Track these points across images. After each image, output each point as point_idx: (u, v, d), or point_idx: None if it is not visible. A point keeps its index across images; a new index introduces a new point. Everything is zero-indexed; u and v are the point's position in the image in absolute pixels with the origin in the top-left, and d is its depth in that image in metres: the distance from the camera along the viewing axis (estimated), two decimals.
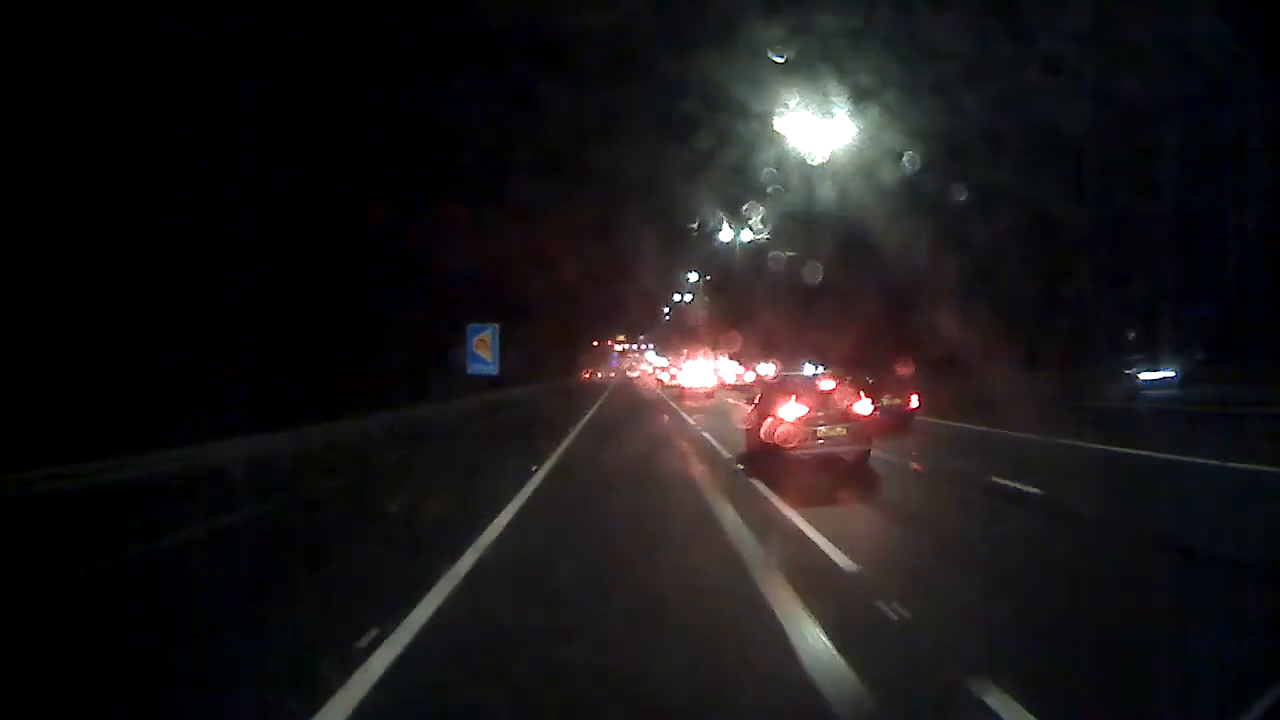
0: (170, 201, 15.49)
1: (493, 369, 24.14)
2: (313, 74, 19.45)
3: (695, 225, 49.13)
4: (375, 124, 23.38)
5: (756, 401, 13.10)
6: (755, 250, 42.69)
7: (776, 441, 10.78)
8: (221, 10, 15.74)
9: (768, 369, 38.40)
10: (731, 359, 52.07)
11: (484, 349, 23.65)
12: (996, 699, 3.85)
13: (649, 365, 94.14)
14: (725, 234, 47.25)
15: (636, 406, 33.46)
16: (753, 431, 12.30)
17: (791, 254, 34.82)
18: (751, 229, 40.58)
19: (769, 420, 11.16)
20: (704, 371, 41.74)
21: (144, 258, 15.07)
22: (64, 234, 13.26)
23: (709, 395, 35.06)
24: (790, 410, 10.91)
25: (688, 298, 76.47)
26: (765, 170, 28.13)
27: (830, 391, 11.48)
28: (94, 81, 13.53)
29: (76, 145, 13.44)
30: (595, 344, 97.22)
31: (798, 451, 10.59)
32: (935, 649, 4.53)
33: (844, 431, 10.67)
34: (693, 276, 70.08)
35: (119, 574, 7.36)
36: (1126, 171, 17.84)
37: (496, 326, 24.09)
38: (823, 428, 10.66)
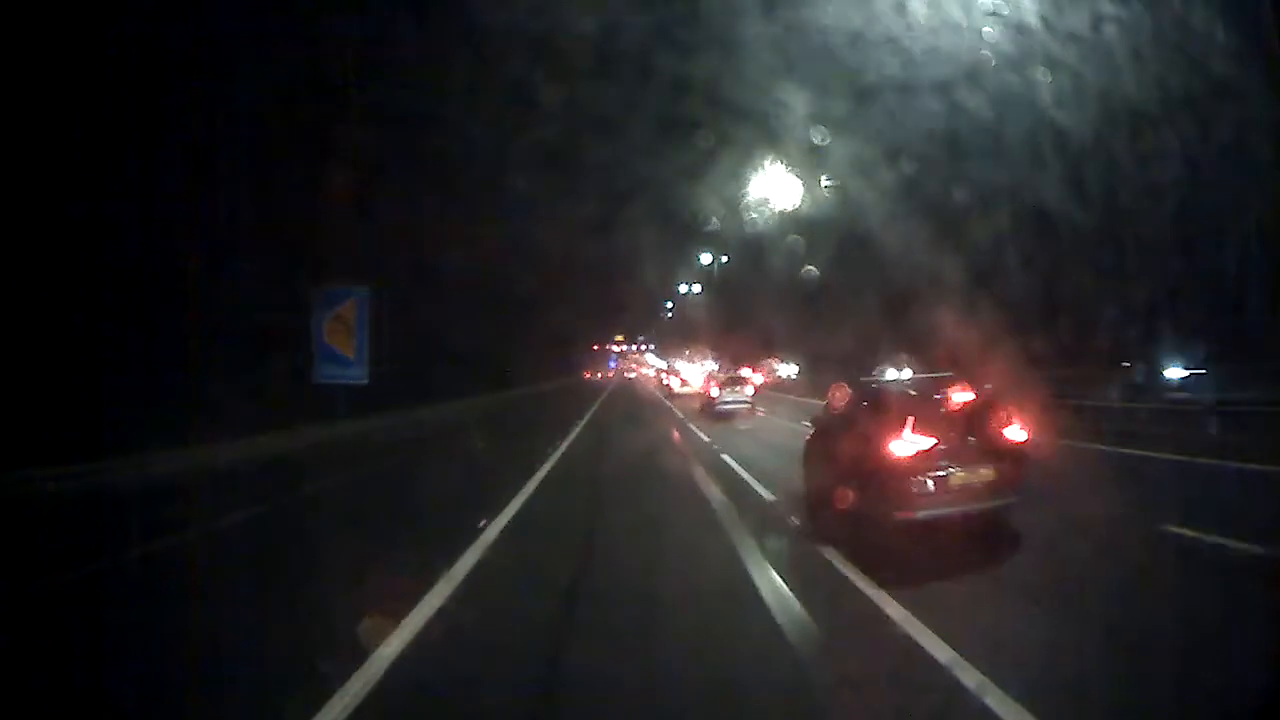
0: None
1: (357, 373, 14.43)
2: (306, 75, 19.42)
3: (711, 217, 44.67)
4: (372, 118, 23.30)
5: (827, 425, 8.90)
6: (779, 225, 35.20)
7: (885, 496, 6.76)
8: None
9: (899, 373, 20.17)
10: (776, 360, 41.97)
11: (341, 337, 14.15)
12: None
13: (651, 369, 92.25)
14: (757, 188, 36.62)
15: (639, 438, 19.52)
16: (820, 474, 8.47)
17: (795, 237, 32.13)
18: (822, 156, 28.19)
19: (863, 461, 7.09)
20: (723, 375, 29.14)
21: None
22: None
23: (748, 411, 24.10)
24: (905, 444, 6.64)
25: (695, 288, 69.89)
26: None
27: (966, 409, 7.03)
28: (94, 77, 13.51)
29: (68, 139, 13.41)
30: (595, 347, 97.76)
31: (923, 512, 6.56)
32: None
33: (991, 475, 6.58)
34: (705, 258, 60.56)
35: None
36: (1128, 171, 17.83)
37: (366, 292, 14.61)
38: (959, 471, 6.56)
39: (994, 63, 16.32)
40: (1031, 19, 15.03)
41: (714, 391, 25.46)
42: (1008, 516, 7.05)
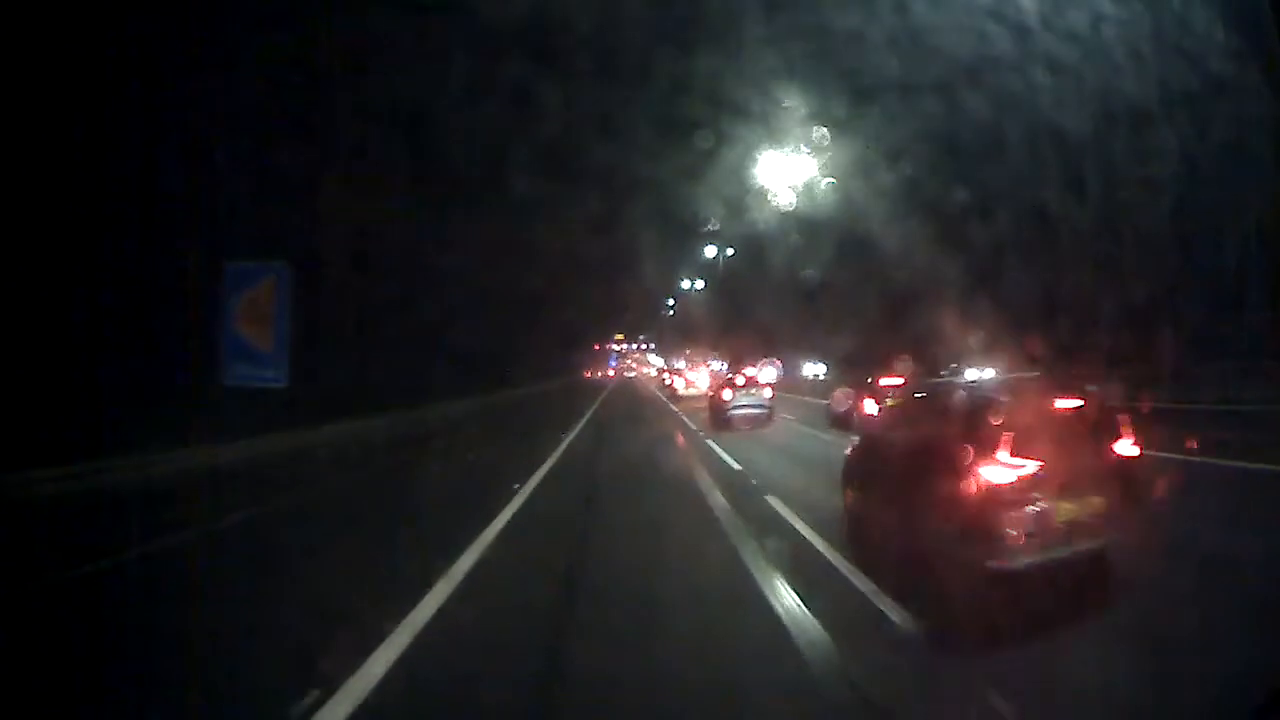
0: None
1: (273, 374, 11.15)
2: (307, 76, 19.42)
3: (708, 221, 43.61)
4: (374, 123, 23.34)
5: (881, 439, 7.30)
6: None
7: (972, 538, 5.11)
8: None
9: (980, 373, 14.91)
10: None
11: (254, 326, 10.83)
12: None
13: (652, 368, 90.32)
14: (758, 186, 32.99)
15: (642, 457, 15.62)
16: (870, 502, 6.96)
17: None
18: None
19: (938, 489, 5.46)
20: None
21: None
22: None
23: (767, 417, 20.10)
24: (1001, 467, 5.07)
25: (699, 284, 66.63)
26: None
27: (1071, 419, 5.44)
28: (92, 74, 13.50)
29: (70, 141, 13.41)
30: (596, 347, 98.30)
31: (1024, 559, 4.97)
32: None
33: (1101, 504, 5.13)
34: (710, 251, 56.08)
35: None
36: (1128, 171, 17.83)
37: (285, 268, 11.34)
38: (1066, 503, 5.05)
39: (994, 63, 16.31)
40: (1031, 19, 15.03)
41: (725, 394, 20.77)
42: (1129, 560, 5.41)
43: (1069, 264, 20.61)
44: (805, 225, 31.30)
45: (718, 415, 20.80)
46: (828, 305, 32.29)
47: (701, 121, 24.84)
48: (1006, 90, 17.15)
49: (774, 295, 37.83)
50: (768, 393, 20.81)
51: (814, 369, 36.38)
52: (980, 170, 19.86)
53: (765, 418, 19.99)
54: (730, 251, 51.68)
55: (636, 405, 36.06)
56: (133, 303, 14.83)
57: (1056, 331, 19.19)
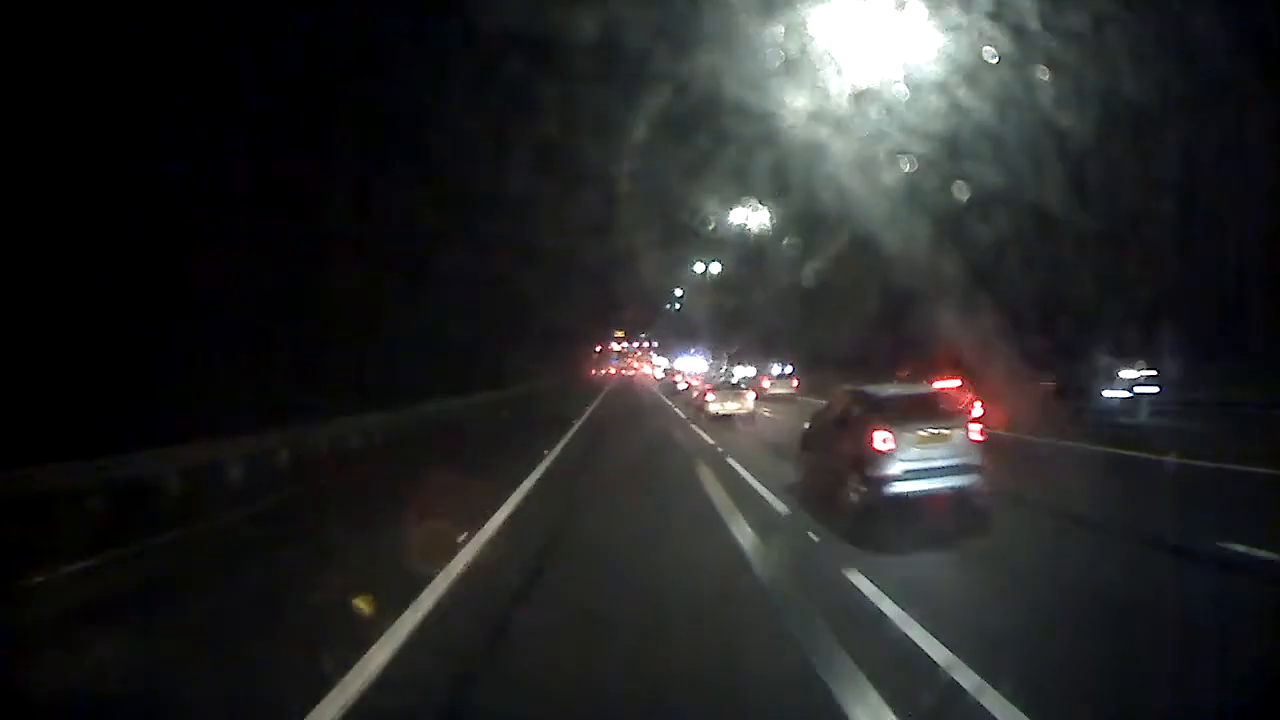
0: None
1: None
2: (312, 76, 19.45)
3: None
4: (375, 122, 23.33)
5: None
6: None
7: None
8: None
9: None
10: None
11: None
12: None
13: (658, 370, 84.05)
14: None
15: None
16: None
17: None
18: None
19: None
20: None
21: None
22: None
23: (980, 494, 7.90)
24: None
25: (714, 268, 55.63)
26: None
27: None
28: (93, 75, 13.51)
29: (77, 140, 13.43)
30: (600, 347, 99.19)
31: None
32: None
33: None
34: (735, 218, 39.77)
35: None
36: (1129, 172, 17.71)
37: None
38: None
39: (994, 63, 16.19)
40: (1031, 19, 14.96)
41: (879, 440, 7.74)
42: None
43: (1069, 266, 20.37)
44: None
45: (863, 489, 8.08)
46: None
47: (703, 118, 24.45)
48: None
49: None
50: (975, 435, 8.14)
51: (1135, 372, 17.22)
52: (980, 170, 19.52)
53: (977, 494, 8.12)
54: (761, 222, 34.68)
55: (644, 433, 20.89)
56: (134, 301, 14.80)
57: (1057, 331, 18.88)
